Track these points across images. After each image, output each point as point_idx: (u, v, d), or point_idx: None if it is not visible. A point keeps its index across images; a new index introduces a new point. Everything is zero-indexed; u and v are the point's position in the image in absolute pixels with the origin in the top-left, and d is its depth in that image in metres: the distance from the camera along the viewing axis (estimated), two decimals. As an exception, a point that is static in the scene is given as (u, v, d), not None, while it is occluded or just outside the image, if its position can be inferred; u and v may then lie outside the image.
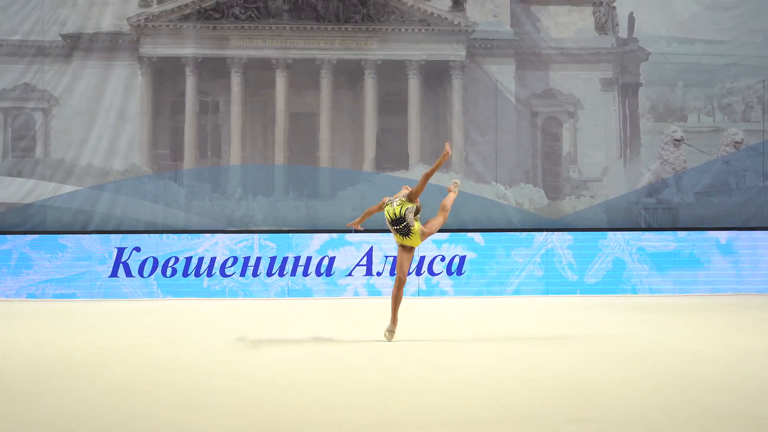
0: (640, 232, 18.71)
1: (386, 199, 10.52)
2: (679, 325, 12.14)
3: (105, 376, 7.46)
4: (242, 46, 19.01)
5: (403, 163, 19.13)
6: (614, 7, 19.37)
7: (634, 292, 18.39)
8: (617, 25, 19.39)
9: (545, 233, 18.48)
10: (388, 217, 10.28)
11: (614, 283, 18.39)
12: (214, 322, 13.07)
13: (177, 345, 9.88)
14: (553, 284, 18.30)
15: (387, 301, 17.46)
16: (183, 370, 7.82)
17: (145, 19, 18.87)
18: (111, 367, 8.01)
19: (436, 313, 14.02)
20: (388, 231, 18.85)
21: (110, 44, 18.81)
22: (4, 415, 5.91)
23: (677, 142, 19.39)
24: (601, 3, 19.33)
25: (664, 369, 7.64)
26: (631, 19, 19.39)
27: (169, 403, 6.31)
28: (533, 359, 8.40)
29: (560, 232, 18.54)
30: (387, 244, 18.27)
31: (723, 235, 18.71)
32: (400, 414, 5.84)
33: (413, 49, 19.14)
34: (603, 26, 19.40)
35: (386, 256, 18.20)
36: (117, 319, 13.44)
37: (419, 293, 18.05)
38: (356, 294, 18.12)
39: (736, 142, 19.52)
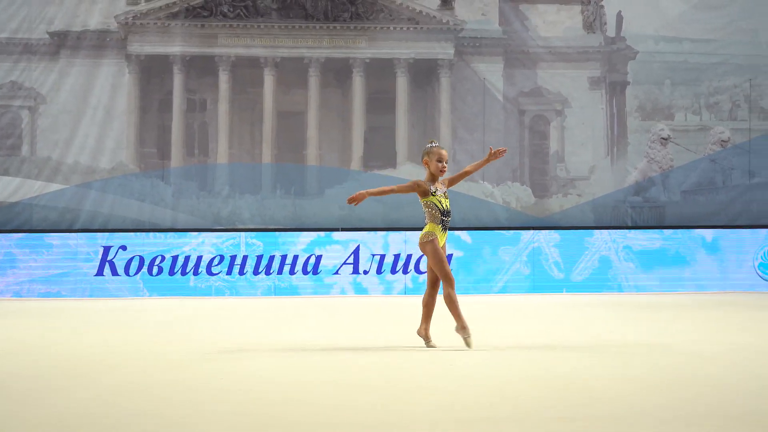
0: (627, 231, 18.62)
1: (421, 183, 9.32)
2: (674, 322, 12.08)
3: (109, 376, 7.38)
4: (230, 45, 18.87)
5: (391, 162, 19.03)
6: (602, 6, 19.28)
7: (620, 290, 18.35)
8: (605, 23, 19.35)
9: (532, 231, 18.42)
10: (441, 207, 9.51)
11: (600, 281, 18.35)
12: (208, 320, 12.98)
13: (176, 344, 9.83)
14: (540, 282, 18.25)
15: (374, 300, 17.51)
16: (183, 369, 7.76)
17: (133, 17, 18.69)
18: (113, 366, 7.93)
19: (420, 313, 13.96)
20: (375, 229, 18.90)
21: (98, 42, 18.61)
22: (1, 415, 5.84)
23: (664, 140, 19.37)
24: (590, 2, 19.24)
25: (667, 366, 7.58)
26: (619, 18, 19.33)
27: (175, 402, 6.26)
28: (533, 357, 8.33)
29: (547, 231, 18.48)
30: (374, 243, 18.22)
31: (709, 234, 18.68)
32: (405, 412, 5.80)
33: (402, 48, 19.01)
34: (591, 25, 19.36)
35: (373, 255, 18.12)
36: (108, 318, 13.31)
37: (406, 291, 17.97)
38: (343, 292, 18.01)
39: (722, 141, 19.52)
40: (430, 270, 9.41)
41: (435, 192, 9.23)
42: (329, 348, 9.31)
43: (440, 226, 9.23)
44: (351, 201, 9.09)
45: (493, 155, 9.68)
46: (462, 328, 9.10)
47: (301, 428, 5.44)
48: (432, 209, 9.23)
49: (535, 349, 8.99)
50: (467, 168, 9.86)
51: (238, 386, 6.82)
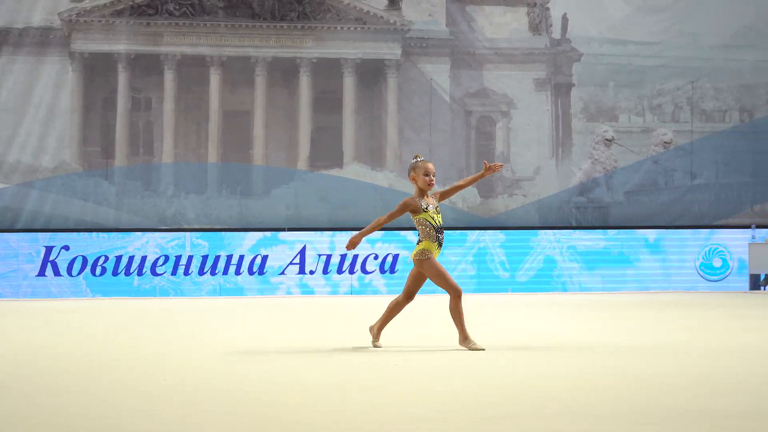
0: (571, 231, 18.81)
1: (410, 201, 9.12)
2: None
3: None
4: (176, 43, 18.65)
5: (338, 162, 18.99)
6: (548, 9, 19.41)
7: (564, 289, 18.49)
8: (551, 26, 19.46)
9: (478, 232, 18.53)
10: (435, 224, 8.99)
11: (545, 281, 18.50)
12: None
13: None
14: (485, 282, 18.31)
15: (322, 300, 17.48)
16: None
17: (77, 14, 18.41)
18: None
19: (373, 313, 13.98)
20: (321, 230, 18.88)
21: (41, 39, 18.25)
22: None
23: (608, 141, 19.57)
24: (535, 4, 19.39)
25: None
26: (565, 20, 19.45)
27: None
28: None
29: (493, 231, 18.59)
30: (320, 243, 18.19)
31: (651, 234, 18.92)
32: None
33: (349, 48, 18.96)
34: (537, 27, 19.48)
35: (319, 255, 18.10)
36: (65, 320, 13.19)
37: (352, 291, 17.95)
38: (289, 292, 17.93)
39: (665, 142, 19.77)
40: (411, 280, 9.25)
41: (426, 208, 9.02)
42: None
43: (436, 243, 9.06)
44: (349, 248, 8.99)
45: (489, 170, 9.57)
46: (464, 339, 9.01)
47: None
48: (426, 227, 9.02)
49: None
50: (459, 182, 9.67)
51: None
